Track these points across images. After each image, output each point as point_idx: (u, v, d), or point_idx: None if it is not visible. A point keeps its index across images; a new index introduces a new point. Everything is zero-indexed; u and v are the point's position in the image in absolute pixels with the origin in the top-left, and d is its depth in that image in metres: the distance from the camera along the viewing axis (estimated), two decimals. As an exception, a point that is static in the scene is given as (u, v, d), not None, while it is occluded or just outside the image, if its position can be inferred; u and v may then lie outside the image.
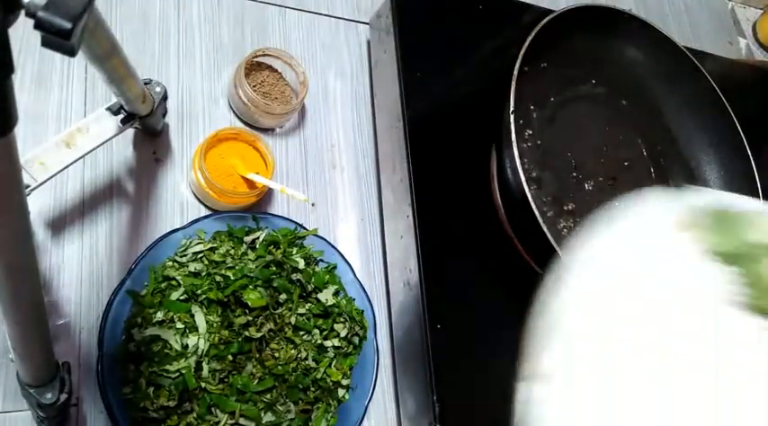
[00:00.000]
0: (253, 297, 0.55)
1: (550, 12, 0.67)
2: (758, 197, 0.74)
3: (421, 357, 0.59)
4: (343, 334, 0.60)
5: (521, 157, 0.59)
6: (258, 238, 0.61)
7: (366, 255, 0.70)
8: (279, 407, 0.55)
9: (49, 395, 0.45)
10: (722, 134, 0.79)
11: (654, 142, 0.80)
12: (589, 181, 0.73)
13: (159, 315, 0.54)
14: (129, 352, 0.53)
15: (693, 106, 0.80)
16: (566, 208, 0.70)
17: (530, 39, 0.64)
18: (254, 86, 0.68)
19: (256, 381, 0.54)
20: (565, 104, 0.75)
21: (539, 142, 0.70)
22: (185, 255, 0.58)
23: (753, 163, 0.76)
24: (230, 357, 0.54)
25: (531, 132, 0.70)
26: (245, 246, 0.60)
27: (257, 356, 0.55)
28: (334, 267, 0.64)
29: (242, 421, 0.53)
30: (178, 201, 0.64)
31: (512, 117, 0.60)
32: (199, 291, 0.55)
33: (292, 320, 0.58)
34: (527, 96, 0.68)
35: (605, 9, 0.74)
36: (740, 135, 0.77)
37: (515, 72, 0.62)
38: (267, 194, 0.67)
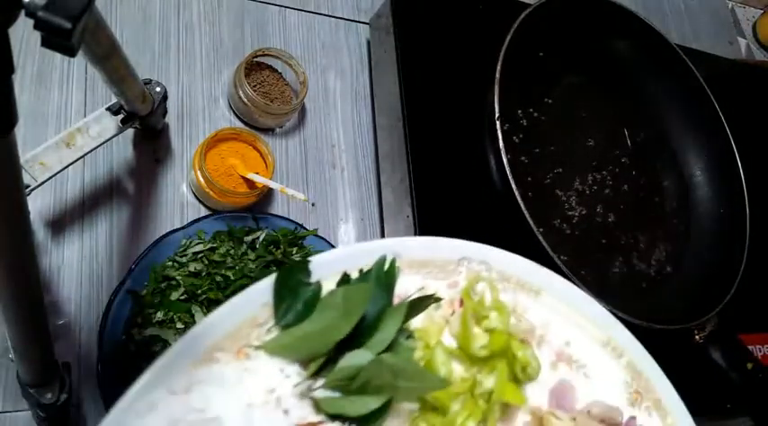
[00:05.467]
0: (253, 297, 0.56)
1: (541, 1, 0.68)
2: (741, 183, 0.75)
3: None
4: (343, 334, 0.60)
5: (507, 155, 0.59)
6: (258, 238, 0.61)
7: (366, 255, 0.70)
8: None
9: (49, 395, 0.45)
10: (706, 125, 0.79)
11: (639, 132, 0.81)
12: (576, 177, 0.73)
13: (159, 315, 0.54)
14: (129, 352, 0.53)
15: (677, 95, 0.80)
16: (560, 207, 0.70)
17: (513, 29, 0.64)
18: (254, 86, 0.68)
19: (256, 381, 0.54)
20: (551, 98, 0.75)
21: (522, 136, 0.71)
22: (185, 255, 0.58)
23: (734, 149, 0.76)
24: (230, 357, 0.54)
25: (515, 130, 0.70)
26: (245, 246, 0.60)
27: (257, 356, 0.55)
28: (335, 267, 0.64)
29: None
30: (178, 201, 0.64)
31: (498, 123, 0.60)
32: (199, 291, 0.55)
33: (292, 320, 0.58)
34: (512, 93, 0.68)
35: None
36: (723, 123, 0.77)
37: (499, 66, 0.62)
38: (267, 194, 0.67)
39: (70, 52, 0.27)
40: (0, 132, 0.26)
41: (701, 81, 0.78)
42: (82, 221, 0.59)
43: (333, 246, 0.64)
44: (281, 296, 0.32)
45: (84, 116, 0.59)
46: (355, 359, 0.31)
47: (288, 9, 0.77)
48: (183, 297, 0.55)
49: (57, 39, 0.26)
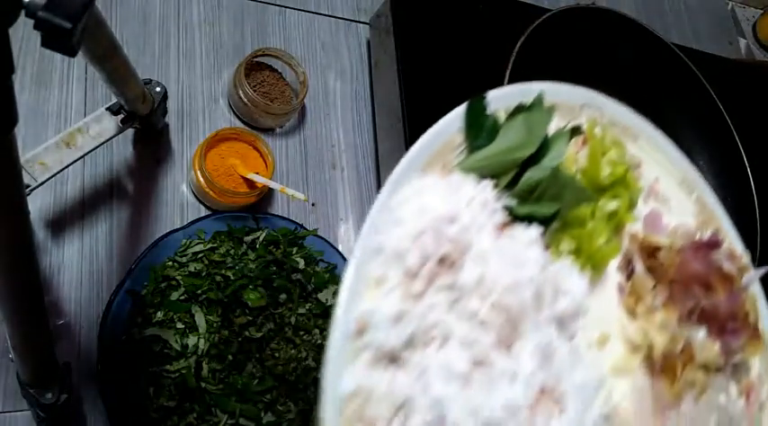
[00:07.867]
0: (253, 297, 0.55)
1: (550, 11, 0.67)
2: (751, 191, 0.75)
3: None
4: (343, 334, 0.60)
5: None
6: (258, 238, 0.61)
7: (366, 255, 0.70)
8: (279, 407, 0.55)
9: (49, 395, 0.45)
10: (715, 131, 0.79)
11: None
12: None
13: (159, 315, 0.54)
14: (129, 352, 0.53)
15: (685, 102, 0.80)
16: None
17: (518, 45, 0.63)
18: (254, 86, 0.68)
19: (256, 381, 0.54)
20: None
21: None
22: (185, 255, 0.58)
23: (742, 151, 0.77)
24: (230, 357, 0.54)
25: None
26: (245, 246, 0.60)
27: (257, 356, 0.55)
28: (335, 267, 0.64)
29: (242, 421, 0.53)
30: (178, 201, 0.64)
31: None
32: (199, 291, 0.55)
33: (292, 320, 0.58)
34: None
35: (594, 10, 0.73)
36: (731, 130, 0.77)
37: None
38: (267, 194, 0.67)
39: (70, 52, 0.27)
40: (0, 132, 0.26)
41: (703, 81, 0.77)
42: (82, 221, 0.59)
43: (333, 246, 0.64)
44: (470, 122, 0.37)
45: (84, 116, 0.59)
46: (537, 173, 0.36)
47: (288, 9, 0.77)
48: (183, 297, 0.55)
49: (57, 39, 0.26)
